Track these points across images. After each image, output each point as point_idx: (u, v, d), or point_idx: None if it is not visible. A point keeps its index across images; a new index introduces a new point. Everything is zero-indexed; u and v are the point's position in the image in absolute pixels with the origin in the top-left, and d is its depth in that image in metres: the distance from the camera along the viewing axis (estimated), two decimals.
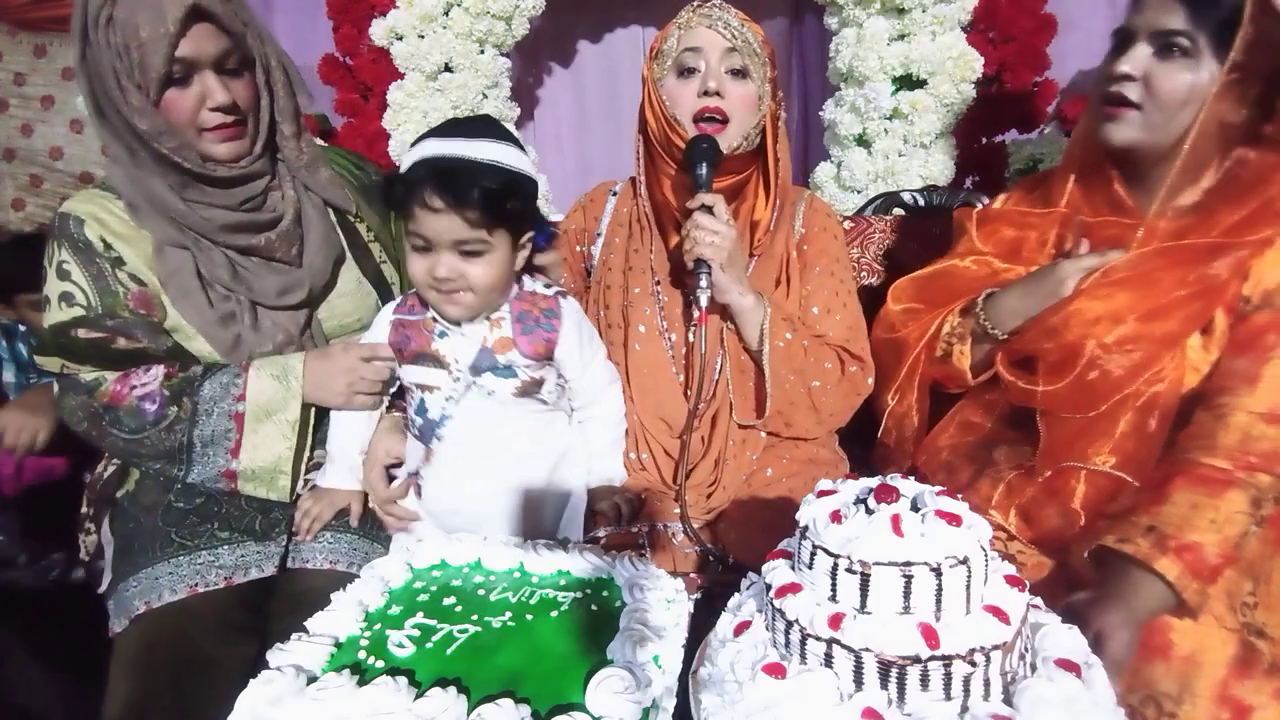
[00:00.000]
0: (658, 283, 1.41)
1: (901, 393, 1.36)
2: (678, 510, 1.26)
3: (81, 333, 1.22)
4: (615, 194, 1.50)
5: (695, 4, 1.32)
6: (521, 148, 1.19)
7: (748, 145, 1.31)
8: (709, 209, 1.23)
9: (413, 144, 1.16)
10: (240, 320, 1.26)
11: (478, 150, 1.11)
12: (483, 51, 2.58)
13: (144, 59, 1.14)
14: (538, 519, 1.28)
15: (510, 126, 2.75)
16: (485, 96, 2.63)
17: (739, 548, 1.21)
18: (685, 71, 1.29)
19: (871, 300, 1.78)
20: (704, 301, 1.24)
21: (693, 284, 1.25)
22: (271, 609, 1.21)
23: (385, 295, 1.41)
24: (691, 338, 1.36)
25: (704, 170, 1.24)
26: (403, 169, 1.14)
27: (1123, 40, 1.11)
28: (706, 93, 1.27)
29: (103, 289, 1.22)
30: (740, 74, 1.29)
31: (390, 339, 1.25)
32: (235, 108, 1.22)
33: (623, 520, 1.27)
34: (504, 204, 1.10)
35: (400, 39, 2.53)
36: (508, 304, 1.21)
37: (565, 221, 1.54)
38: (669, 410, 1.37)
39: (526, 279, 1.26)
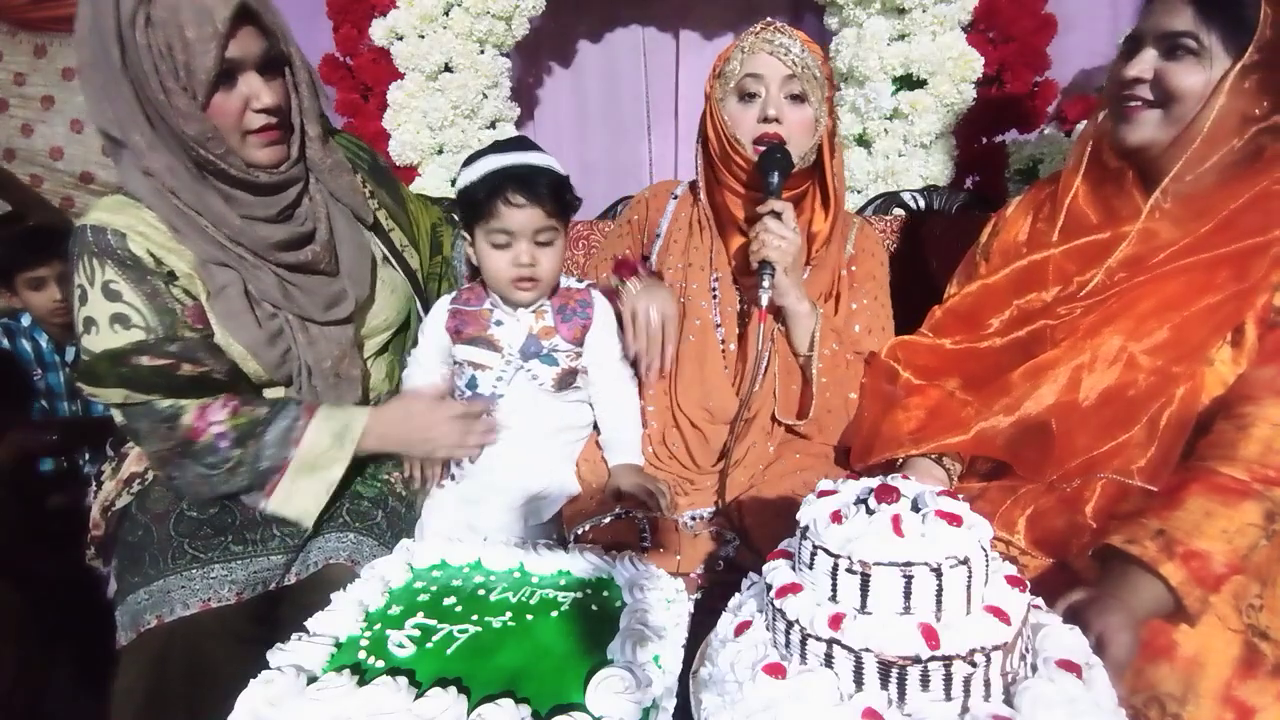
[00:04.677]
0: (716, 280, 1.46)
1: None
2: (712, 490, 1.33)
3: (145, 360, 1.16)
4: (676, 197, 1.56)
5: (758, 27, 1.37)
6: None
7: (804, 164, 1.37)
8: (778, 215, 1.30)
9: (468, 163, 1.32)
10: (289, 337, 1.25)
11: (534, 159, 1.31)
12: (483, 51, 2.58)
13: (190, 61, 1.10)
14: (546, 491, 1.39)
15: (510, 126, 2.76)
16: (485, 96, 2.63)
17: (755, 531, 1.25)
18: (746, 96, 1.36)
19: None
20: (765, 301, 1.30)
21: (752, 284, 1.32)
22: (281, 620, 1.18)
23: (414, 283, 1.46)
24: (738, 331, 1.44)
25: (775, 179, 1.31)
26: (471, 181, 1.29)
27: (1131, 46, 1.12)
28: (766, 119, 1.34)
29: (160, 308, 1.17)
30: (799, 99, 1.35)
31: (447, 325, 1.38)
32: (279, 109, 1.20)
33: (662, 501, 1.29)
34: (565, 196, 1.32)
35: (400, 39, 2.53)
36: (549, 301, 1.38)
37: (628, 212, 1.61)
38: (716, 400, 1.41)
39: (562, 278, 1.41)
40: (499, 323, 1.36)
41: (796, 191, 1.39)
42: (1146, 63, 1.10)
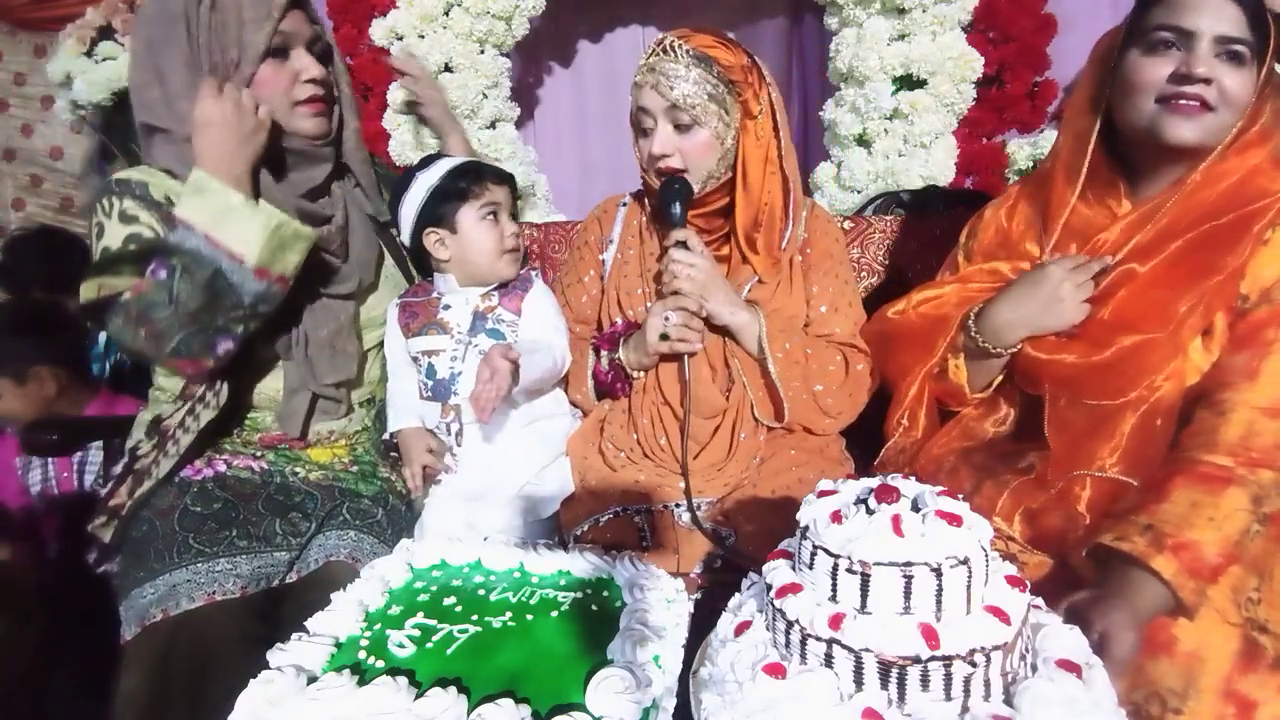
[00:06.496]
0: None
1: (910, 417, 1.32)
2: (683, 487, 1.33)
3: (133, 248, 1.22)
4: (625, 205, 1.58)
5: (647, 53, 1.34)
6: None
7: (718, 179, 1.36)
8: (683, 244, 1.33)
9: (421, 170, 1.41)
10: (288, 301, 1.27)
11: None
12: (483, 51, 2.59)
13: (243, 35, 1.22)
14: (544, 487, 1.41)
15: (510, 127, 2.77)
16: (485, 96, 2.63)
17: (748, 530, 1.25)
18: (642, 132, 1.37)
19: (872, 301, 1.77)
20: (670, 335, 1.33)
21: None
22: (284, 618, 1.18)
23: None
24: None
25: (677, 209, 1.33)
26: (442, 176, 1.39)
27: (1176, 40, 1.07)
28: (655, 155, 1.34)
29: (172, 228, 1.19)
30: (688, 127, 1.32)
31: (398, 320, 1.44)
32: (326, 82, 1.31)
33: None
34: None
35: (400, 39, 2.54)
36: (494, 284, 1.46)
37: (583, 234, 1.61)
38: (702, 394, 1.41)
39: None
40: (447, 306, 1.43)
41: (718, 205, 1.39)
42: (1209, 63, 1.05)
